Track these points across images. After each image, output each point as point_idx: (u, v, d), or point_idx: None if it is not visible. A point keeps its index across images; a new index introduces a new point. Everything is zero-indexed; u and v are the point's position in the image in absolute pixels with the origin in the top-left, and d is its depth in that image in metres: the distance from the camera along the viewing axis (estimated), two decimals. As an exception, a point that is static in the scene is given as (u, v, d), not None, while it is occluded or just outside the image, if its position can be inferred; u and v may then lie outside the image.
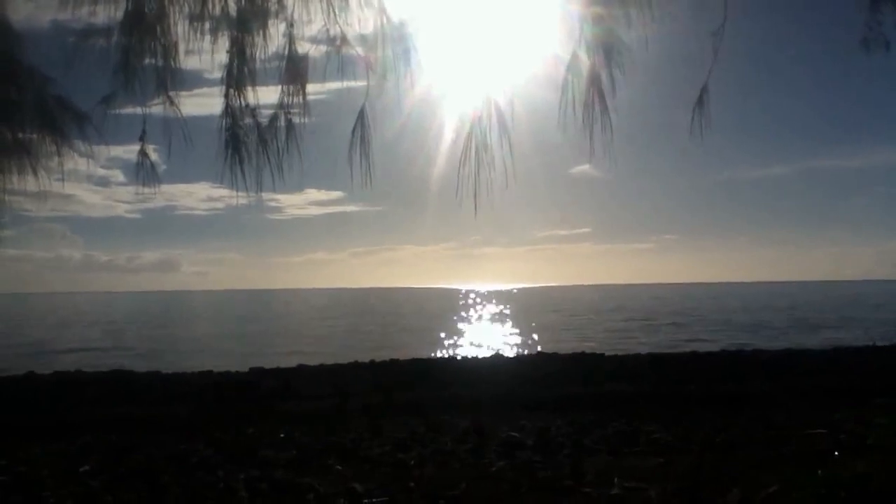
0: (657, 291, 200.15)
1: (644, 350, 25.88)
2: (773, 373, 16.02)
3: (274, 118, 4.33)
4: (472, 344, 42.61)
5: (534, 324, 60.42)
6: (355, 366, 19.40)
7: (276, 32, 4.21)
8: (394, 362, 19.85)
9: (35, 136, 4.41)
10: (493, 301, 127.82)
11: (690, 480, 6.55)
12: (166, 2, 4.06)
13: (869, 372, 15.39)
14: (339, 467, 7.97)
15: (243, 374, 18.11)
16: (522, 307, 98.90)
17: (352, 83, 4.19)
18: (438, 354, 29.53)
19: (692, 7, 4.30)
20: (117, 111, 4.22)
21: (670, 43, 4.41)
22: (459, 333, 51.82)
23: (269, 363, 21.40)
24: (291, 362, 21.69)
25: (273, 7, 4.17)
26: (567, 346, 32.59)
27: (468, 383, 15.21)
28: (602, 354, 22.29)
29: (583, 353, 22.42)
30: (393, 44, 4.12)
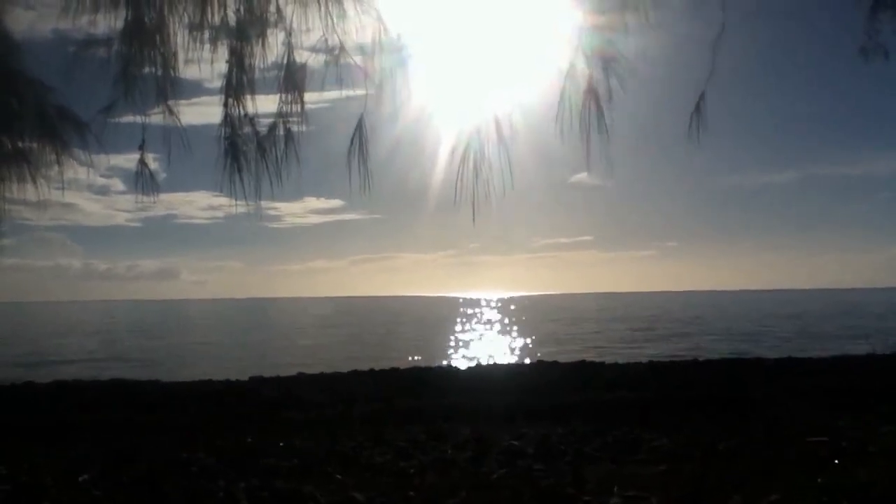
0: (658, 299, 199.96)
1: (644, 358, 25.83)
2: (774, 380, 16.00)
3: (273, 127, 4.35)
4: (471, 352, 42.56)
5: (534, 332, 60.37)
6: (356, 374, 19.39)
7: (274, 42, 4.23)
8: (394, 371, 19.84)
9: (35, 145, 4.43)
10: (494, 309, 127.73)
11: (692, 488, 6.53)
12: (166, 11, 4.08)
13: (872, 380, 15.37)
14: (339, 476, 7.95)
15: (243, 382, 18.09)
16: (523, 315, 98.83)
17: (350, 92, 4.21)
18: (438, 363, 29.50)
19: (690, 14, 4.32)
20: (117, 120, 4.23)
21: (669, 50, 4.43)
22: (459, 342, 51.77)
23: (268, 372, 21.39)
24: (292, 371, 21.68)
25: (272, 17, 4.19)
26: (567, 354, 32.55)
27: (468, 391, 15.19)
28: (602, 363, 22.28)
29: (583, 362, 22.40)
30: (391, 53, 4.14)
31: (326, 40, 4.16)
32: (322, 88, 4.18)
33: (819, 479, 6.53)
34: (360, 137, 4.22)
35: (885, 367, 17.50)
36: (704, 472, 6.97)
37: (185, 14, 4.08)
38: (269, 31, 4.20)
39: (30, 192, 4.45)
